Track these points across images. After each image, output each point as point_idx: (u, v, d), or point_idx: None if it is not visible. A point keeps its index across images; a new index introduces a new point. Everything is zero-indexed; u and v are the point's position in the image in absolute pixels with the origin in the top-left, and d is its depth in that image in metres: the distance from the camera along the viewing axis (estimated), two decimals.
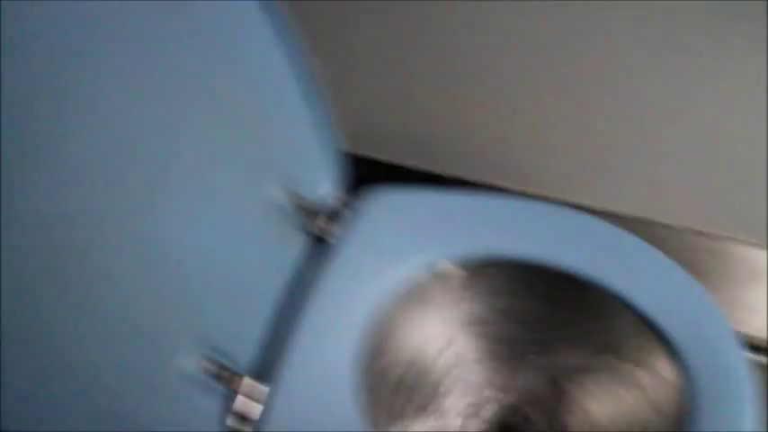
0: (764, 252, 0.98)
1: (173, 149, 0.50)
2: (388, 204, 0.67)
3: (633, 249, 0.65)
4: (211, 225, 0.54)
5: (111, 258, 0.44)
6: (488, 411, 0.76)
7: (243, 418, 0.57)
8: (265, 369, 0.59)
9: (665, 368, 0.62)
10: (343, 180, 0.69)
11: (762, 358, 1.05)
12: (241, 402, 0.57)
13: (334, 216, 0.67)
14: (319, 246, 0.66)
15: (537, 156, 0.94)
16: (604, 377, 0.70)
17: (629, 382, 0.67)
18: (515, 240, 0.65)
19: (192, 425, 0.54)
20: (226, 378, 0.55)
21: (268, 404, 0.56)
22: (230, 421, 0.56)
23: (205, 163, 0.54)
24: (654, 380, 0.64)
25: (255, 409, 0.57)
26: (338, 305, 0.61)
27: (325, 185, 0.68)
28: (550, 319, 0.72)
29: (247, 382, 0.57)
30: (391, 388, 0.69)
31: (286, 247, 0.64)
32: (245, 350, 0.59)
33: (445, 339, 0.73)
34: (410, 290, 0.64)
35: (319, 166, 0.67)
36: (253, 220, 0.60)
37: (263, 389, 0.57)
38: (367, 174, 0.77)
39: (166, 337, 0.51)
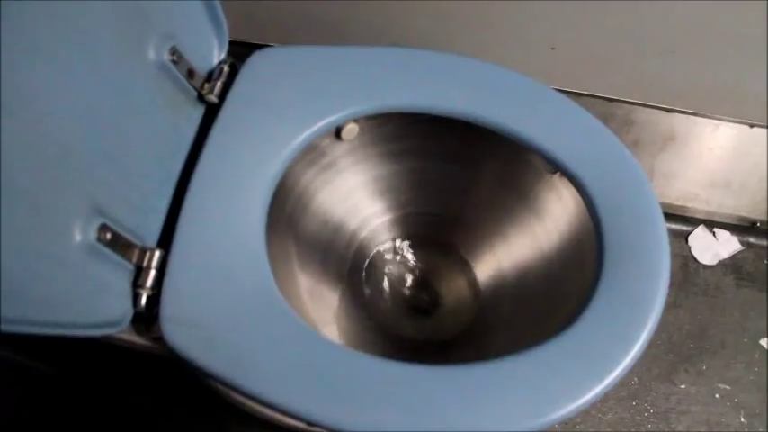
0: (673, 116, 0.99)
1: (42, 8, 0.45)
2: (275, 62, 0.64)
3: (534, 93, 0.64)
4: (94, 88, 0.50)
5: None
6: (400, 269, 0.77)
7: (141, 285, 0.54)
8: (165, 237, 0.57)
9: (575, 203, 0.62)
10: (228, 41, 0.65)
11: (677, 226, 1.08)
12: (138, 270, 0.55)
13: (222, 77, 0.63)
14: (211, 109, 0.63)
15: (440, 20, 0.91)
16: (514, 209, 0.70)
17: (542, 217, 0.68)
18: (412, 91, 0.63)
19: (93, 296, 0.51)
20: (122, 247, 0.52)
21: (165, 269, 0.54)
22: (129, 290, 0.54)
23: (79, 20, 0.49)
24: (566, 215, 0.65)
25: (152, 276, 0.54)
26: (231, 166, 0.58)
27: (210, 47, 0.64)
28: (454, 161, 0.71)
29: (143, 249, 0.55)
30: (297, 248, 0.68)
31: (178, 113, 0.60)
32: (143, 219, 0.56)
33: (351, 198, 0.72)
34: (306, 147, 0.61)
35: (204, 27, 0.63)
36: (139, 84, 0.56)
37: (159, 255, 0.55)
38: None
39: (59, 205, 0.47)
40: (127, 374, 0.94)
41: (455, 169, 0.73)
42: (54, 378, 0.93)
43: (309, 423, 0.51)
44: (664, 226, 0.57)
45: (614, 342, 0.53)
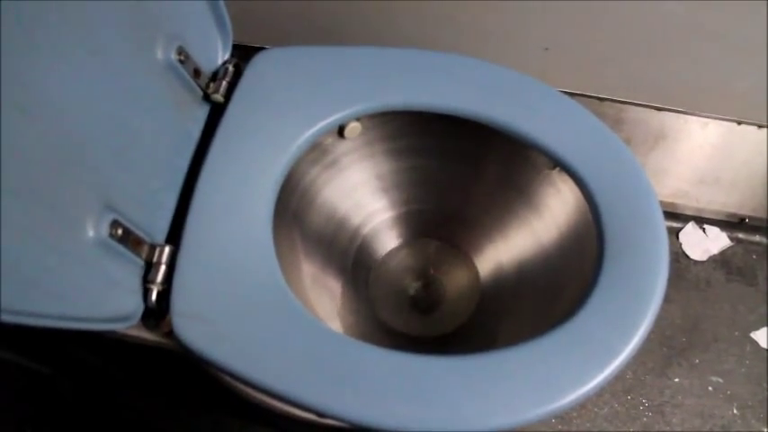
0: (663, 114, 1.01)
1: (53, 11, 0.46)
2: (279, 62, 0.65)
3: (534, 92, 0.65)
4: (104, 86, 0.51)
5: None
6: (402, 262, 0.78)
7: (152, 281, 0.55)
8: (174, 234, 0.58)
9: (574, 198, 0.64)
10: (232, 42, 0.66)
11: (668, 222, 1.10)
12: (148, 266, 0.55)
13: (227, 77, 0.64)
14: (217, 109, 0.64)
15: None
16: (514, 205, 0.72)
17: (541, 212, 0.69)
18: (413, 89, 0.64)
19: (104, 290, 0.51)
20: (133, 243, 0.53)
21: (175, 265, 0.55)
22: (139, 285, 0.54)
23: (89, 22, 0.50)
24: (564, 210, 0.66)
25: (162, 271, 0.55)
26: (237, 164, 0.59)
27: (215, 47, 0.65)
28: (455, 158, 0.72)
29: (153, 245, 0.56)
30: (303, 244, 0.69)
31: (185, 112, 0.61)
32: (152, 216, 0.57)
33: (354, 195, 0.73)
34: (310, 145, 0.62)
35: (209, 27, 0.64)
36: (148, 83, 0.57)
37: (168, 251, 0.56)
38: None
39: (72, 201, 0.47)
40: (123, 374, 0.94)
41: (456, 166, 0.74)
42: (49, 378, 0.93)
43: (320, 414, 0.51)
44: (662, 219, 0.58)
45: (616, 332, 0.54)
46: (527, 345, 0.53)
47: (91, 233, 0.49)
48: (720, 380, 1.01)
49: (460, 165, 0.74)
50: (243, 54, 0.67)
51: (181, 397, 0.94)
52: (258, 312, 0.54)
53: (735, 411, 0.99)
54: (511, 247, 0.76)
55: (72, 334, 0.81)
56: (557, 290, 0.66)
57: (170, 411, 0.93)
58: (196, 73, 0.61)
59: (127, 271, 0.54)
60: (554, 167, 0.65)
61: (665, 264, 0.56)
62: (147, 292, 0.55)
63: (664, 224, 0.58)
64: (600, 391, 0.96)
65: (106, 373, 0.95)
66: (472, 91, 0.64)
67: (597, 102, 1.00)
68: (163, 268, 0.55)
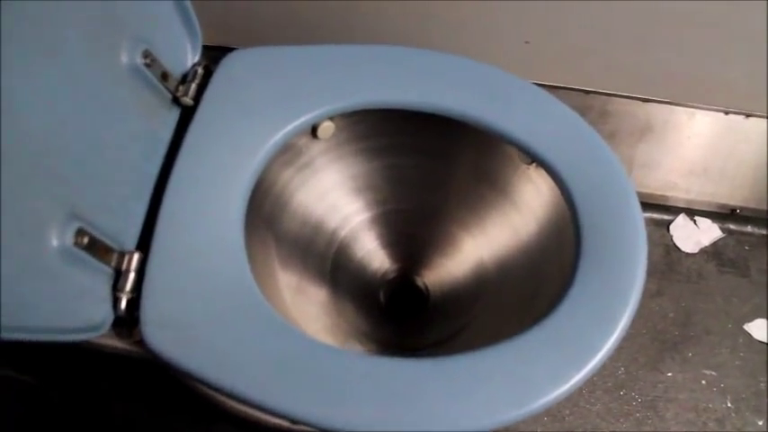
0: (649, 105, 1.01)
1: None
2: (249, 62, 0.64)
3: (507, 85, 0.64)
4: (67, 93, 0.50)
5: None
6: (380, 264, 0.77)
7: (121, 289, 0.54)
8: (144, 240, 0.57)
9: (552, 193, 0.63)
10: (201, 43, 0.65)
11: (658, 215, 1.09)
12: (118, 274, 0.55)
13: (196, 79, 0.63)
14: (186, 112, 0.63)
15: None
16: (493, 201, 0.71)
17: (520, 207, 0.69)
18: (387, 87, 0.63)
19: (72, 300, 0.51)
20: (100, 251, 0.52)
21: (144, 272, 0.54)
22: (109, 294, 0.54)
23: (49, 25, 0.49)
24: (542, 204, 0.65)
25: (131, 279, 0.54)
26: (207, 168, 0.58)
27: (184, 49, 0.64)
28: (430, 155, 0.72)
29: (122, 253, 0.55)
30: (278, 249, 0.68)
31: (153, 116, 0.60)
32: (121, 223, 0.56)
33: (329, 197, 0.72)
34: (283, 146, 0.61)
35: (176, 29, 0.63)
36: (112, 88, 0.56)
37: (137, 258, 0.55)
38: None
39: (33, 211, 0.46)
40: (112, 383, 0.94)
41: (432, 164, 0.73)
42: (36, 389, 0.92)
43: (292, 421, 0.51)
44: (639, 211, 0.57)
45: (595, 328, 0.53)
46: (505, 344, 0.52)
47: (54, 242, 0.48)
48: (714, 373, 1.00)
49: (436, 162, 0.73)
50: (213, 56, 0.66)
51: (167, 406, 0.93)
52: (229, 318, 0.53)
53: (729, 404, 0.98)
54: (491, 242, 0.75)
55: (56, 344, 0.81)
56: (538, 283, 0.66)
57: (157, 420, 0.93)
58: (164, 76, 0.60)
59: (95, 279, 0.53)
60: (530, 163, 0.64)
61: (642, 259, 0.55)
62: (116, 301, 0.54)
63: (642, 218, 0.57)
64: (592, 388, 0.96)
65: (93, 383, 0.95)
66: (445, 86, 0.63)
67: (582, 94, 0.99)
68: (132, 276, 0.54)
